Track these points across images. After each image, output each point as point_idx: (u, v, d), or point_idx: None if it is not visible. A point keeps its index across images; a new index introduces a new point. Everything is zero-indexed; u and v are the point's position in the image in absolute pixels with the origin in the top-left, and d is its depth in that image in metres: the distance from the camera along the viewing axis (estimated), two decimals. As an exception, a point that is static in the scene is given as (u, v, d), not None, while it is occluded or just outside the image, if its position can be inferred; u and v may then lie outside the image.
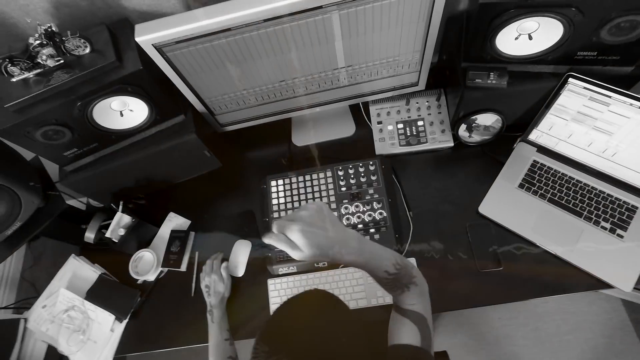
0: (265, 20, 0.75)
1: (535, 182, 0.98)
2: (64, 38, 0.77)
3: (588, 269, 0.88)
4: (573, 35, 0.76)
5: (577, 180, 0.96)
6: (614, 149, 0.90)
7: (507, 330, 1.55)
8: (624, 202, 0.92)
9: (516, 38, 0.80)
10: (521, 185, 0.98)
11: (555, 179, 0.97)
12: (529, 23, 0.76)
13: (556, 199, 0.95)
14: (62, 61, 0.78)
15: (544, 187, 0.97)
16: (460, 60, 0.91)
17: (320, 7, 0.74)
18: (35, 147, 0.86)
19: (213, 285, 0.95)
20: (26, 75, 0.77)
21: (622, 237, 0.89)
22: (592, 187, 0.95)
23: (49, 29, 0.75)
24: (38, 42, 0.75)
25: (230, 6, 0.73)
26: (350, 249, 0.57)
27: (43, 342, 0.98)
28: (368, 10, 0.77)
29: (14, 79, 0.77)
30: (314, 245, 0.53)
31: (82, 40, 0.79)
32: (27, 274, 1.67)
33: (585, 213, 0.93)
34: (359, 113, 1.17)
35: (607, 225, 0.91)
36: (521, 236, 0.93)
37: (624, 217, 0.91)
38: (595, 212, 0.92)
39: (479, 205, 0.98)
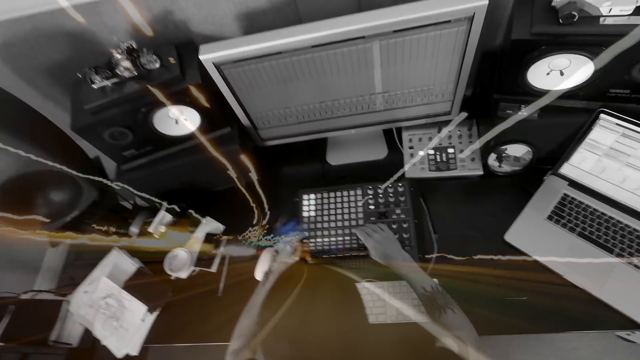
0: (313, 47, 0.84)
1: (565, 215, 0.98)
2: (139, 54, 0.90)
3: (619, 307, 0.85)
4: (604, 73, 0.79)
5: (610, 217, 0.95)
6: (648, 187, 0.89)
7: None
8: (660, 242, 0.90)
9: (548, 73, 0.84)
10: (550, 217, 0.98)
11: (587, 213, 0.97)
12: (560, 60, 0.80)
13: (587, 233, 0.94)
14: (135, 73, 0.90)
15: (574, 221, 0.96)
16: (493, 91, 0.96)
17: (363, 37, 0.82)
18: (101, 145, 0.98)
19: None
20: (105, 83, 0.89)
21: (657, 278, 0.87)
22: (626, 225, 0.93)
23: (130, 46, 0.87)
24: (119, 56, 0.87)
25: (283, 33, 0.83)
26: (397, 262, 0.90)
27: (80, 324, 1.06)
28: (406, 42, 0.84)
29: (95, 86, 0.89)
30: (377, 256, 0.95)
31: (154, 57, 0.91)
32: (68, 269, 1.80)
33: (617, 250, 0.91)
34: (392, 137, 1.22)
35: (641, 265, 0.89)
36: (548, 268, 0.93)
37: (660, 258, 0.88)
38: (629, 250, 0.91)
39: (505, 233, 0.99)
